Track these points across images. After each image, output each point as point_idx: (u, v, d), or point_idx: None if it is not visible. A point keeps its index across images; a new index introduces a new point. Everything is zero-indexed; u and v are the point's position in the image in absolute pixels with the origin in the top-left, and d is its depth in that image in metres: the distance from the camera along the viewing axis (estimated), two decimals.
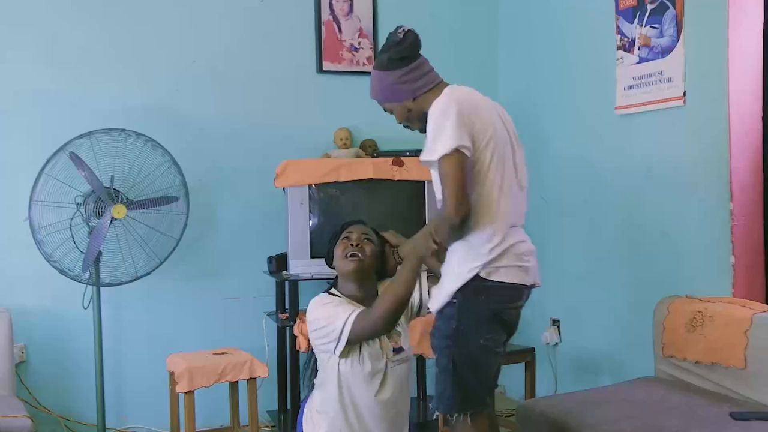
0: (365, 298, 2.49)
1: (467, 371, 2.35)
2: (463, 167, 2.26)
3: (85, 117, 3.79)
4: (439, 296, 2.37)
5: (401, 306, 2.35)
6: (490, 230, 2.32)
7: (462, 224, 2.29)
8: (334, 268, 2.56)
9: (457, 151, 2.24)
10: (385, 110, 2.56)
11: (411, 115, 2.50)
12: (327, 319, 2.38)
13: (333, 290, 2.54)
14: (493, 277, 2.31)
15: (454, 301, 2.32)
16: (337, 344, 2.36)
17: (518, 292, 2.38)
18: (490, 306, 2.33)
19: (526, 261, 2.38)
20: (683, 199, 3.38)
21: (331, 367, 2.43)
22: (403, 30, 2.43)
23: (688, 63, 3.30)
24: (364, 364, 2.41)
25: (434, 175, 2.37)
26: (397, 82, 2.43)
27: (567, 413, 2.87)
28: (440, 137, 2.26)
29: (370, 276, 2.53)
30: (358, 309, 2.38)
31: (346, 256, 2.46)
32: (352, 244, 2.47)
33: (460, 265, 2.32)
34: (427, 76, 2.46)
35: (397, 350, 2.50)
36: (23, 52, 3.83)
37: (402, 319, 2.52)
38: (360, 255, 2.46)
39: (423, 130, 2.46)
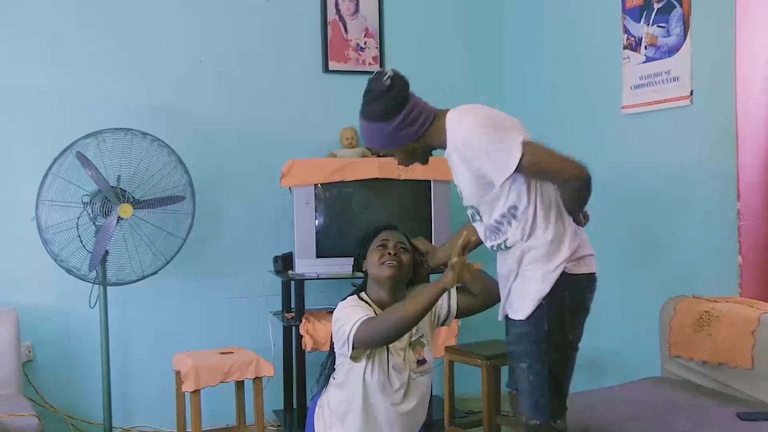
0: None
1: (562, 371, 2.34)
2: (540, 146, 2.23)
3: (91, 117, 3.80)
4: (525, 303, 2.30)
5: (405, 328, 2.29)
6: (561, 223, 2.31)
7: (590, 179, 2.27)
8: (362, 271, 2.52)
9: (524, 144, 2.19)
10: (381, 155, 2.50)
11: (415, 154, 2.43)
12: (343, 320, 2.35)
13: (363, 293, 2.50)
14: (577, 270, 2.30)
15: (543, 303, 2.28)
16: (347, 347, 2.33)
17: (595, 281, 2.38)
18: (575, 300, 2.32)
19: (592, 249, 2.38)
20: (690, 198, 3.37)
21: (355, 373, 2.40)
22: (389, 75, 2.30)
23: (695, 62, 3.29)
24: (390, 375, 2.38)
25: (464, 173, 2.33)
26: (396, 129, 2.32)
27: (573, 413, 2.84)
28: (500, 151, 2.19)
29: (403, 284, 2.50)
30: (369, 314, 2.34)
31: (383, 263, 2.43)
32: (389, 252, 2.43)
33: (544, 265, 2.28)
34: (424, 113, 2.34)
35: (421, 362, 2.46)
36: (30, 52, 3.85)
37: (427, 330, 2.49)
38: (397, 264, 2.42)
39: (425, 162, 2.45)
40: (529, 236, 2.30)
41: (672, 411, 2.77)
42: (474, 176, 2.29)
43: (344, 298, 2.50)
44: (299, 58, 4.31)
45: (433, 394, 4.29)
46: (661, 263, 3.54)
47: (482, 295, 2.50)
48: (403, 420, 2.45)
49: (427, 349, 2.49)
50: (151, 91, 4.03)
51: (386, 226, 2.55)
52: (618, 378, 3.35)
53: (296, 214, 3.84)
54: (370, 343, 2.32)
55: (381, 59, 4.41)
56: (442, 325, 2.60)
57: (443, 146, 2.38)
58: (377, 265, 2.43)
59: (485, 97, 4.58)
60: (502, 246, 2.37)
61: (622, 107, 3.70)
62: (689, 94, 3.32)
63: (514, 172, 2.21)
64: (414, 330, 2.42)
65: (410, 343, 2.44)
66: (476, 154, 2.24)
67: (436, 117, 2.35)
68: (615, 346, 3.77)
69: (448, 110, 2.36)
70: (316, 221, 3.86)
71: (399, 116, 2.30)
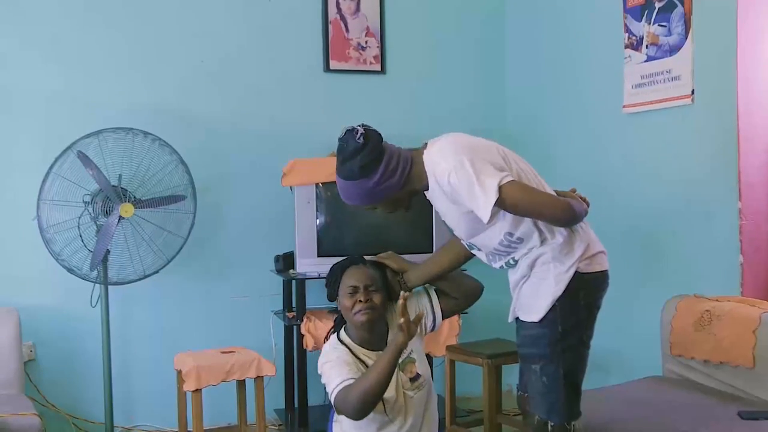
0: (375, 340, 2.41)
1: (577, 371, 2.33)
2: (522, 185, 2.18)
3: (92, 116, 3.80)
4: (539, 305, 2.28)
5: (374, 399, 2.20)
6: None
7: (576, 216, 2.23)
8: (339, 306, 2.45)
9: (503, 184, 2.12)
10: (365, 210, 2.39)
11: (399, 202, 2.34)
12: (325, 375, 2.31)
13: (342, 334, 2.44)
14: (590, 269, 2.28)
15: (556, 304, 2.26)
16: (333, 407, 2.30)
17: (607, 278, 2.36)
18: (589, 299, 2.30)
19: (602, 245, 2.36)
20: (691, 198, 3.37)
21: None
22: (360, 132, 2.22)
23: (697, 61, 3.29)
24: (385, 407, 2.33)
25: (454, 211, 2.28)
26: (377, 184, 2.23)
27: None
28: (477, 191, 2.12)
29: (381, 318, 2.43)
30: (345, 380, 2.25)
31: (355, 312, 2.34)
32: (360, 300, 2.34)
33: (557, 267, 2.26)
34: (401, 161, 2.25)
35: (414, 378, 2.41)
36: (31, 51, 3.85)
37: (417, 342, 2.45)
38: (370, 310, 2.34)
39: (408, 208, 2.38)
40: (539, 245, 2.28)
41: (673, 410, 2.77)
42: (466, 213, 2.25)
43: (327, 335, 2.48)
44: (300, 58, 4.31)
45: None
46: (662, 262, 3.54)
47: (463, 297, 2.50)
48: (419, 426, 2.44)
49: (419, 363, 2.43)
50: (153, 90, 4.04)
51: (351, 260, 2.44)
52: (619, 377, 3.35)
53: (297, 213, 3.84)
54: (349, 417, 2.26)
55: (382, 58, 4.42)
56: (431, 331, 2.57)
57: (426, 188, 2.32)
58: (349, 311, 2.36)
59: (486, 95, 4.63)
60: (511, 263, 2.36)
61: (623, 106, 3.70)
62: (690, 93, 3.32)
63: (495, 207, 2.14)
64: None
65: (399, 366, 2.35)
66: (462, 195, 2.18)
67: (414, 162, 2.26)
68: (616, 345, 3.77)
69: (422, 150, 2.30)
70: (317, 220, 3.86)
71: (378, 170, 2.22)
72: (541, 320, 2.28)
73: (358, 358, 2.37)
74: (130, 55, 4.01)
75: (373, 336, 2.40)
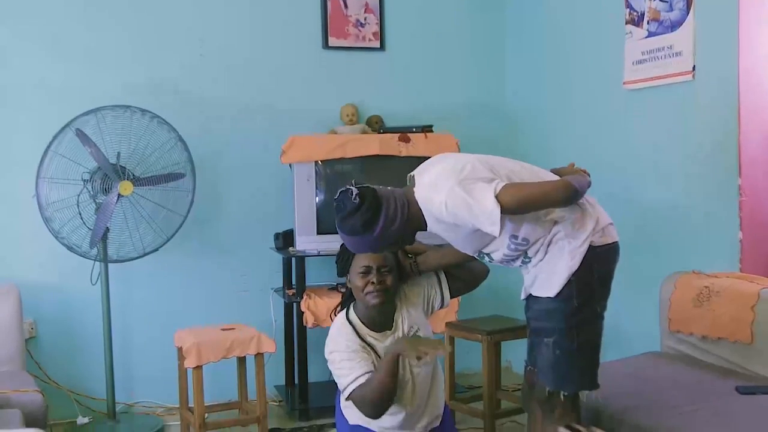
0: (383, 320, 2.46)
1: (595, 343, 2.36)
2: (515, 185, 2.20)
3: (91, 95, 3.78)
4: (554, 280, 2.31)
5: (389, 402, 2.33)
6: (575, 204, 2.31)
7: (578, 191, 2.25)
8: (348, 282, 2.49)
9: (498, 193, 2.15)
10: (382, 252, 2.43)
11: (404, 240, 2.37)
12: (336, 365, 2.38)
13: (351, 313, 2.48)
14: (602, 241, 2.31)
15: (572, 279, 2.29)
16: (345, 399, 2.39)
17: (618, 249, 2.39)
18: (601, 272, 2.33)
19: (609, 217, 2.38)
20: (691, 174, 3.37)
21: None
22: (354, 193, 2.24)
23: (698, 37, 3.27)
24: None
25: (460, 232, 2.30)
26: (382, 233, 2.25)
27: None
28: (478, 211, 2.15)
29: (392, 298, 2.49)
30: (359, 376, 2.35)
31: (367, 293, 2.39)
32: (372, 282, 2.39)
33: (571, 242, 2.28)
34: (398, 206, 2.26)
35: (420, 356, 2.42)
36: (31, 30, 3.83)
37: (423, 320, 2.51)
38: (383, 293, 2.40)
39: (412, 243, 2.42)
40: (548, 233, 2.30)
41: (671, 385, 2.79)
42: (471, 232, 2.26)
43: (334, 311, 2.51)
44: (299, 35, 4.28)
45: None
46: (661, 239, 3.54)
47: (472, 279, 2.59)
48: (418, 408, 2.48)
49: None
50: (151, 69, 4.02)
51: None
52: (618, 353, 3.36)
53: (297, 190, 3.84)
54: (368, 417, 2.39)
55: (381, 35, 4.39)
56: (439, 309, 2.63)
57: (424, 227, 2.33)
58: (361, 294, 2.40)
59: (485, 71, 4.60)
60: (525, 260, 2.38)
61: (624, 83, 3.68)
62: (692, 69, 3.30)
63: (503, 216, 2.15)
64: (406, 329, 2.46)
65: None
66: (465, 220, 2.20)
67: (410, 202, 2.28)
68: (615, 321, 3.76)
69: (412, 187, 2.31)
70: (317, 198, 3.86)
71: (379, 222, 2.24)
72: (557, 295, 2.31)
73: (365, 341, 2.40)
74: (128, 34, 3.99)
75: (382, 316, 2.42)
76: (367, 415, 2.35)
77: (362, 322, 2.47)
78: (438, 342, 2.43)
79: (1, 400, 2.92)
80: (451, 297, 2.60)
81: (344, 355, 2.39)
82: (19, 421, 2.72)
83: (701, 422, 2.45)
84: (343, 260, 2.48)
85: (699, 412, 2.53)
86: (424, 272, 2.57)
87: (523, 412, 2.86)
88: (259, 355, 3.52)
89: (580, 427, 2.37)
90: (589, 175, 2.36)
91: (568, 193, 2.22)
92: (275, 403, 4.07)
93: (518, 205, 2.17)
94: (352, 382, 2.35)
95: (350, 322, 2.46)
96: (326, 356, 2.44)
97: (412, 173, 2.36)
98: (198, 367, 3.39)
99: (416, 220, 2.30)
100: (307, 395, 3.91)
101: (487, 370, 3.50)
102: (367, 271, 2.40)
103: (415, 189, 2.29)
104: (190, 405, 3.60)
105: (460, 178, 2.19)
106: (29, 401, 2.97)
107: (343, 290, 2.59)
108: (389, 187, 2.32)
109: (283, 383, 4.14)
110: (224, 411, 3.79)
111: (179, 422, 3.74)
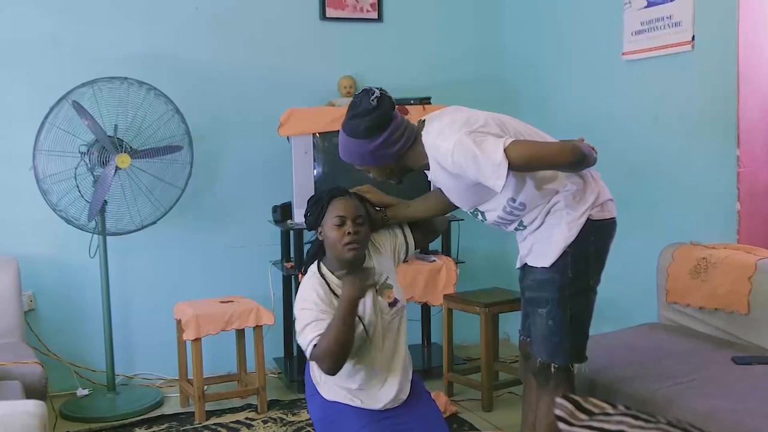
0: (353, 271, 2.39)
1: (586, 315, 2.39)
2: (523, 141, 2.21)
3: (87, 66, 3.76)
4: (550, 250, 2.32)
5: (344, 354, 2.23)
6: (577, 174, 2.32)
7: (583, 157, 2.24)
8: (320, 235, 2.42)
9: (507, 147, 2.14)
10: (357, 168, 2.41)
11: (392, 173, 2.39)
12: (299, 323, 2.31)
13: (322, 267, 2.42)
14: (601, 216, 2.32)
15: (568, 250, 2.29)
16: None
17: (615, 225, 2.40)
18: (598, 245, 2.34)
19: (610, 193, 2.39)
20: (690, 145, 3.36)
21: None
22: (376, 96, 2.25)
23: (698, 7, 3.24)
24: (366, 329, 2.36)
25: (459, 185, 2.30)
26: (376, 149, 2.27)
27: None
28: (484, 163, 2.14)
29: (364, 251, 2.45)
30: (316, 336, 2.25)
31: (344, 245, 2.33)
32: (348, 232, 2.33)
33: (570, 213, 2.29)
34: (405, 136, 2.28)
35: (392, 304, 2.44)
36: (25, 0, 3.80)
37: (391, 269, 2.49)
38: (358, 244, 2.35)
39: (400, 183, 2.42)
40: (547, 203, 2.31)
41: (668, 356, 2.80)
42: (472, 184, 2.26)
43: (304, 268, 2.46)
44: (296, 5, 4.24)
45: (432, 341, 4.36)
46: (659, 210, 3.55)
47: (433, 231, 2.63)
48: (388, 361, 2.45)
49: (396, 289, 2.47)
50: (147, 39, 3.99)
51: (337, 191, 2.41)
52: (615, 324, 3.38)
53: (294, 163, 3.83)
54: (327, 374, 2.29)
55: (379, 6, 4.35)
56: (404, 261, 2.63)
57: (423, 168, 2.35)
58: (338, 246, 2.34)
59: (483, 42, 4.57)
60: (520, 227, 2.38)
61: (623, 53, 3.66)
62: (691, 39, 3.28)
63: (509, 171, 2.15)
64: (377, 276, 2.40)
65: (377, 290, 2.41)
66: (469, 171, 2.20)
67: (416, 140, 2.30)
68: (612, 292, 3.77)
69: (420, 129, 2.31)
70: (315, 171, 3.85)
71: (381, 137, 2.25)
72: (552, 265, 2.32)
73: (334, 293, 2.37)
74: (124, 3, 3.95)
75: (353, 268, 2.40)
76: (326, 371, 2.26)
77: (333, 274, 2.42)
78: (371, 267, 2.39)
79: (1, 371, 2.93)
80: (417, 247, 2.59)
81: (308, 314, 2.31)
82: (20, 393, 2.74)
83: (697, 392, 2.47)
84: (315, 213, 2.40)
85: (695, 382, 2.55)
86: (393, 223, 2.54)
87: (521, 384, 2.89)
88: (257, 328, 3.54)
89: (576, 397, 2.38)
90: (596, 152, 2.36)
91: (575, 157, 2.23)
92: (274, 375, 4.09)
93: (526, 162, 2.18)
94: (312, 340, 2.26)
95: (322, 275, 2.41)
96: (294, 311, 2.38)
97: (423, 118, 2.37)
98: (197, 340, 3.41)
99: (412, 158, 2.32)
100: (305, 367, 3.92)
101: (484, 342, 3.52)
102: (341, 222, 2.33)
103: (423, 133, 2.30)
104: (189, 377, 3.63)
105: (470, 130, 2.20)
106: (29, 373, 2.99)
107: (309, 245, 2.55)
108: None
109: (282, 355, 4.16)
110: (223, 383, 3.82)
111: (178, 394, 3.77)
